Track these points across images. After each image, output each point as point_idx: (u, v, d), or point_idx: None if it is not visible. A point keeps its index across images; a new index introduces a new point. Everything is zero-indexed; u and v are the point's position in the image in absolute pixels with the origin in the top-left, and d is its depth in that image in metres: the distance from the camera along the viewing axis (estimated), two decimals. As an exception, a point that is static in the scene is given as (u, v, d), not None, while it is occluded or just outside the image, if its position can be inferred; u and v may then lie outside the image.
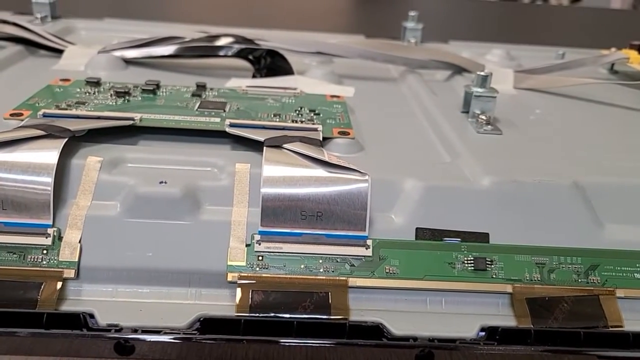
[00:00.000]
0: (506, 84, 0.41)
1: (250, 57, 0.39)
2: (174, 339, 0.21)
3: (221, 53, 0.39)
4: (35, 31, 0.40)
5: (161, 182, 0.23)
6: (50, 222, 0.22)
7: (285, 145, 0.25)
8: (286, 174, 0.23)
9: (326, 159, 0.24)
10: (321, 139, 0.27)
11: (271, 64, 0.39)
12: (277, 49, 0.40)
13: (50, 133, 0.24)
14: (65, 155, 0.24)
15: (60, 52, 0.40)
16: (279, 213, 0.23)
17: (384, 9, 1.02)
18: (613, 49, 0.49)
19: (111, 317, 0.21)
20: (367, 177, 0.23)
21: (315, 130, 0.28)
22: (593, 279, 0.23)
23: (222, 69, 0.40)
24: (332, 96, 0.34)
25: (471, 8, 1.21)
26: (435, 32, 0.53)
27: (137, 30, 0.49)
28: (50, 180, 0.22)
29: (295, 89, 0.35)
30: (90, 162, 0.24)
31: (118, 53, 0.39)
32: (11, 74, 0.36)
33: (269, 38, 0.42)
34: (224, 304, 0.22)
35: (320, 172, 0.23)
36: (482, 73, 0.32)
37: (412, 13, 0.51)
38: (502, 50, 0.49)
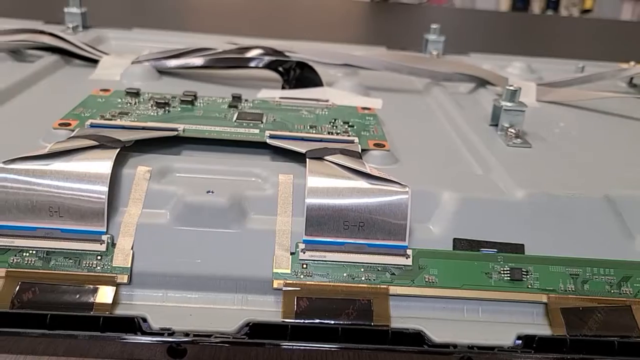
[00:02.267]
0: (529, 97, 0.41)
1: (280, 68, 0.40)
2: (225, 343, 0.22)
3: (252, 64, 0.40)
4: (71, 41, 0.41)
5: (208, 192, 0.24)
6: (104, 229, 0.23)
7: (326, 157, 0.26)
8: (330, 185, 0.24)
9: (368, 171, 0.24)
10: (360, 151, 0.27)
11: (300, 75, 0.40)
12: (306, 61, 0.41)
13: (102, 143, 0.25)
14: (116, 164, 0.25)
15: (93, 61, 0.41)
16: (322, 223, 0.24)
17: (397, 17, 1.03)
18: (632, 63, 0.50)
19: (163, 322, 0.22)
20: (407, 189, 0.24)
21: (352, 142, 0.29)
22: (625, 290, 0.24)
23: (250, 80, 0.41)
24: (363, 108, 0.35)
25: (482, 18, 1.22)
26: (449, 43, 0.53)
27: (164, 40, 0.50)
28: (105, 189, 0.23)
29: (326, 100, 0.36)
30: (140, 171, 0.25)
31: (152, 63, 0.40)
32: (50, 83, 0.37)
33: (297, 50, 0.43)
34: (270, 309, 0.23)
35: (362, 183, 0.24)
36: (512, 87, 0.33)
37: (434, 26, 0.52)
38: (523, 63, 0.50)
